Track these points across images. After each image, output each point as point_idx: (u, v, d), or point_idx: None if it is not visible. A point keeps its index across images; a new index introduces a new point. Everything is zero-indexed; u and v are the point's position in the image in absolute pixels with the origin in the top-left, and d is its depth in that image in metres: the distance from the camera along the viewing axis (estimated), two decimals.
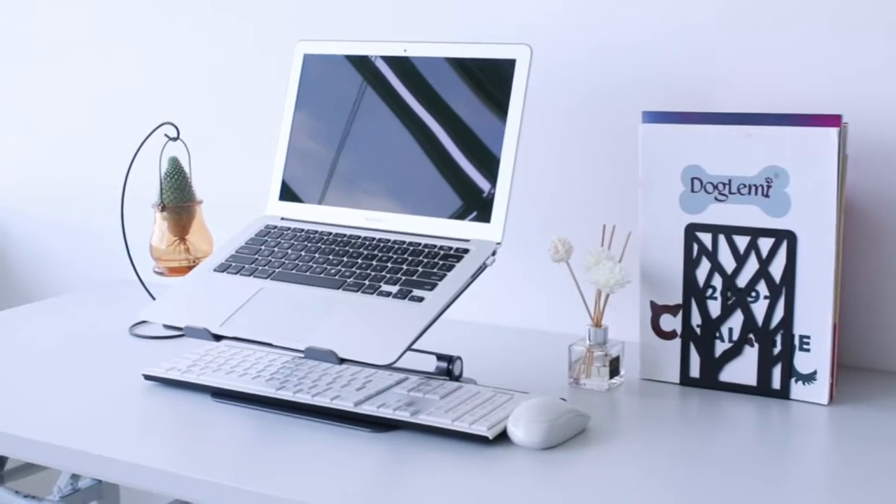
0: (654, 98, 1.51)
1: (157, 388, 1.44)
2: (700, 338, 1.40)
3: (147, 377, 1.45)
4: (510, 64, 1.39)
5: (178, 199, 1.71)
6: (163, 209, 1.70)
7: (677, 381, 1.43)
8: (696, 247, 1.39)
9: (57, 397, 1.42)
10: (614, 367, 1.42)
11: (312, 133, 1.53)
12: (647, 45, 1.53)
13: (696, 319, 1.40)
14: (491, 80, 1.41)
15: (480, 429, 1.22)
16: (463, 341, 1.48)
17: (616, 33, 1.56)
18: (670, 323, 1.42)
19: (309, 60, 1.55)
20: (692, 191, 1.39)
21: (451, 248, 1.38)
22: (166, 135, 1.70)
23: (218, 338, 1.36)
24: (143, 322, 1.66)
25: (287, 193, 1.54)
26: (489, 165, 1.39)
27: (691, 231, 1.39)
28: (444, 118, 1.44)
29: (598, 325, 1.42)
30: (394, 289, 1.35)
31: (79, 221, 2.08)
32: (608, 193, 1.57)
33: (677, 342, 1.42)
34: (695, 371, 1.41)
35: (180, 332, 1.39)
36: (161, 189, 1.70)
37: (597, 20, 1.57)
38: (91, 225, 2.06)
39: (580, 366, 1.42)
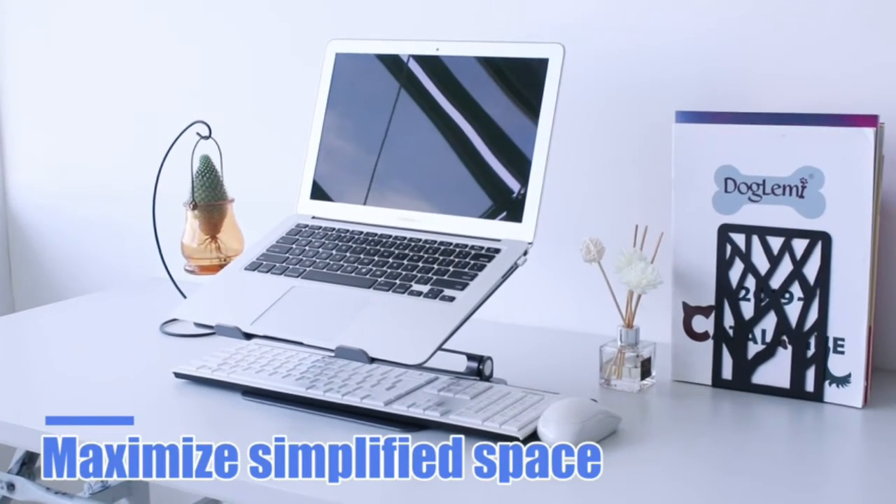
0: (687, 98, 1.50)
1: (187, 386, 1.44)
2: (733, 339, 1.39)
3: (178, 375, 1.45)
4: (543, 63, 1.38)
5: (210, 197, 1.71)
6: (194, 207, 1.71)
7: (709, 382, 1.41)
8: (729, 248, 1.38)
9: (88, 394, 1.43)
10: (646, 369, 1.41)
11: (344, 132, 1.53)
12: (679, 45, 1.53)
13: (728, 321, 1.39)
14: (523, 79, 1.40)
15: (511, 429, 1.22)
16: (493, 341, 1.48)
17: (649, 33, 1.55)
18: (702, 324, 1.41)
19: (340, 59, 1.55)
20: (726, 191, 1.38)
21: (482, 248, 1.38)
22: (198, 133, 1.70)
23: (248, 336, 1.37)
24: (174, 320, 1.66)
25: (318, 192, 1.54)
26: (520, 166, 1.38)
27: (724, 232, 1.38)
28: (475, 118, 1.43)
29: (629, 325, 1.41)
30: (424, 288, 1.34)
31: (110, 219, 2.09)
32: (641, 194, 1.56)
33: (709, 343, 1.41)
34: (727, 373, 1.40)
35: (211, 331, 1.39)
36: (193, 187, 1.71)
37: (629, 20, 1.56)
38: (123, 223, 2.06)
39: (611, 367, 1.41)
